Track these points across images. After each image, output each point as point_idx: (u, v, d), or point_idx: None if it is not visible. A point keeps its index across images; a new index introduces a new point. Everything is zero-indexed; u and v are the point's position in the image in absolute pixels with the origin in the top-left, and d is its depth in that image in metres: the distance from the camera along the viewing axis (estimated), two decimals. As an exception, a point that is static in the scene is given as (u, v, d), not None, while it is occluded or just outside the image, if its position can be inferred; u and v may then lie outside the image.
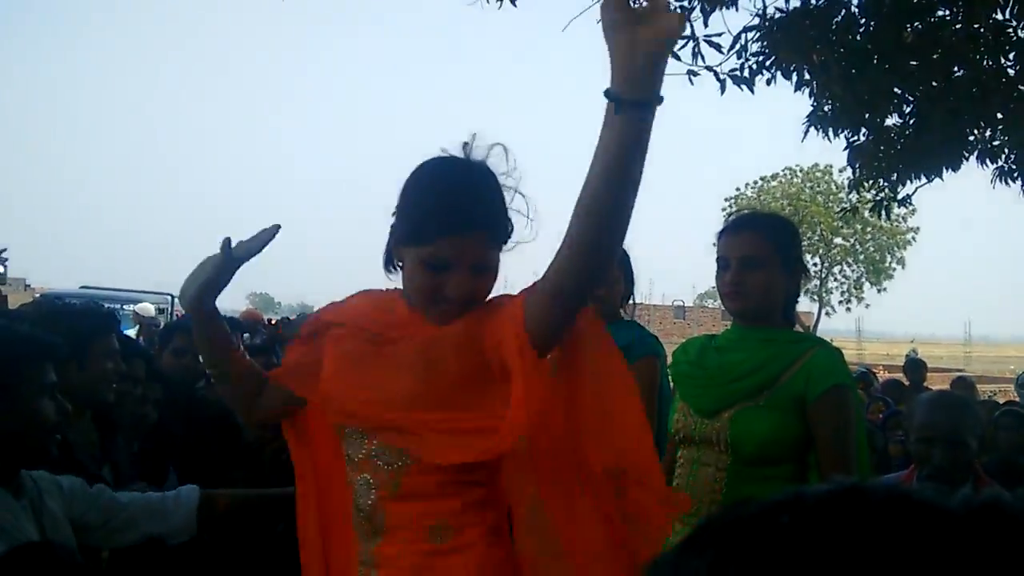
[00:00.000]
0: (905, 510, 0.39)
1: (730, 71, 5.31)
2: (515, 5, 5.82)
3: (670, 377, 2.46)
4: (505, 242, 1.47)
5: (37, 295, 14.89)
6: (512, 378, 1.33)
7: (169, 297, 14.84)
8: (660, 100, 1.17)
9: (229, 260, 1.61)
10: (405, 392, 1.43)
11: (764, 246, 2.14)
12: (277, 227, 1.63)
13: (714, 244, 2.27)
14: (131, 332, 8.70)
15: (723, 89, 5.28)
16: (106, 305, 4.30)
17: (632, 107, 1.16)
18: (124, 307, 11.15)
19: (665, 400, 2.72)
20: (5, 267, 5.83)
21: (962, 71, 5.46)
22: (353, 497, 1.51)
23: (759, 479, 2.03)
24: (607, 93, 1.17)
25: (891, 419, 5.53)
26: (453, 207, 1.38)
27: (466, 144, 1.47)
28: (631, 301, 2.98)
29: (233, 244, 1.61)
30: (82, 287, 14.10)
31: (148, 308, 10.87)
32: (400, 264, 1.49)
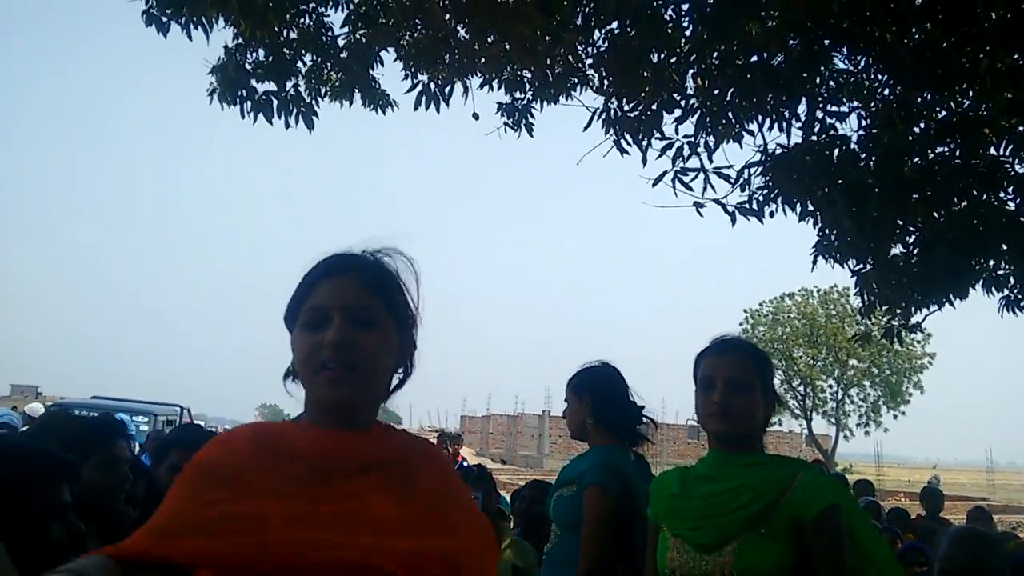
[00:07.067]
0: None
1: (738, 203, 5.46)
2: (532, 135, 6.19)
3: (652, 513, 2.30)
4: (403, 321, 1.42)
5: (49, 404, 14.91)
6: None
7: (179, 409, 14.84)
8: None
9: None
10: None
11: (750, 369, 2.18)
12: None
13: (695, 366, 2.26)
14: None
15: (733, 221, 5.41)
16: (119, 415, 4.22)
17: None
18: (135, 417, 11.11)
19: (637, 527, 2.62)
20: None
21: (963, 204, 5.58)
22: None
23: None
24: None
25: (909, 553, 5.33)
26: (328, 258, 1.41)
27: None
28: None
29: None
30: (93, 397, 14.13)
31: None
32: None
